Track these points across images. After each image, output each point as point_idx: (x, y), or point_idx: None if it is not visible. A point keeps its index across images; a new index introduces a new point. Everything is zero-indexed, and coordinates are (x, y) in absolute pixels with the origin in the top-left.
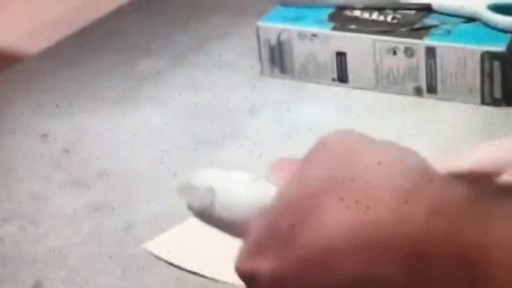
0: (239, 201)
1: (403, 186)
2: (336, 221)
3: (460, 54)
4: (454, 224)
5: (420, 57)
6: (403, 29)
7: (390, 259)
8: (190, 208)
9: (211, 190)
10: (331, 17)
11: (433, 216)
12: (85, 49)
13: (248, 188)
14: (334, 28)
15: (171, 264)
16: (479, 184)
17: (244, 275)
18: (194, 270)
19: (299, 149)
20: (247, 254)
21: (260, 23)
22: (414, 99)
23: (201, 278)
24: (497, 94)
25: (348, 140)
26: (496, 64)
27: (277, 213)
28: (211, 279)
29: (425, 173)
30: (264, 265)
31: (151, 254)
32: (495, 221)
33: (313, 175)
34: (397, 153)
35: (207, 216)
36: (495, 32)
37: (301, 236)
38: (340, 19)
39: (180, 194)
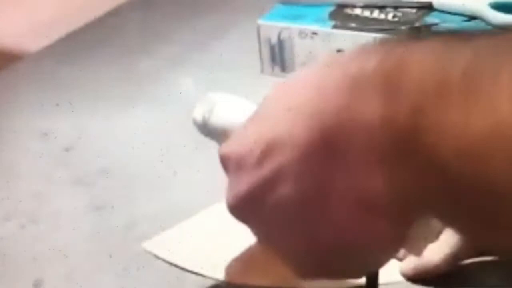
0: (232, 111)
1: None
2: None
3: None
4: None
5: None
6: (403, 28)
7: (333, 91)
8: (193, 121)
9: (212, 103)
10: (332, 15)
11: (363, 55)
12: (85, 48)
13: (243, 103)
14: (334, 26)
15: (171, 263)
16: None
17: (222, 159)
18: (194, 269)
19: None
20: (228, 143)
21: (261, 22)
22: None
23: (201, 278)
24: None
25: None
26: None
27: (255, 111)
28: (211, 278)
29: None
30: (236, 147)
31: (151, 253)
32: (409, 54)
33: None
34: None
35: (205, 125)
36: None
37: (268, 113)
38: (341, 17)
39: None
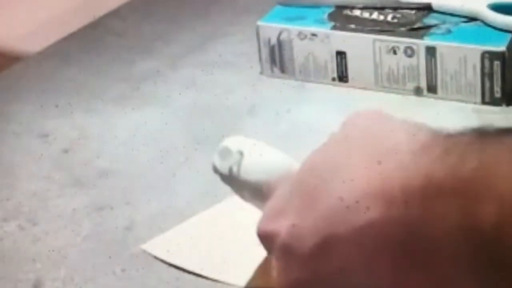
0: (265, 164)
1: (420, 139)
2: (356, 176)
3: (460, 53)
4: (459, 158)
5: (420, 57)
6: (403, 29)
7: (406, 199)
8: (215, 170)
9: (238, 154)
10: (331, 17)
11: (444, 156)
12: (84, 49)
13: (275, 155)
14: (334, 28)
15: (170, 264)
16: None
17: (264, 236)
18: (194, 270)
19: (299, 148)
20: (268, 216)
21: (260, 23)
22: (414, 99)
23: (201, 279)
24: (497, 93)
25: (370, 116)
26: (496, 63)
27: (300, 177)
28: (211, 279)
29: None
30: (284, 225)
31: (151, 254)
32: (493, 152)
33: (336, 144)
34: (412, 124)
35: (233, 179)
36: (495, 31)
37: (322, 195)
38: (340, 18)
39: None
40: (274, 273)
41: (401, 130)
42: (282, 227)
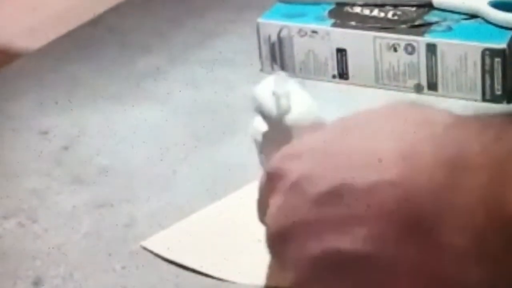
0: (307, 108)
1: (455, 116)
2: (386, 138)
3: (461, 50)
4: (494, 137)
5: (421, 54)
6: (403, 26)
7: (435, 165)
8: (256, 101)
9: (287, 96)
10: (331, 14)
11: (479, 133)
12: (84, 46)
13: (314, 105)
14: (334, 25)
15: (170, 261)
16: None
17: (272, 173)
18: (194, 267)
19: None
20: (284, 155)
21: (260, 20)
22: (414, 96)
23: (201, 276)
24: (498, 91)
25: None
26: (497, 61)
27: (329, 130)
28: (211, 276)
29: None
30: (297, 167)
31: (151, 251)
32: None
33: (372, 113)
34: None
35: (277, 106)
36: (496, 29)
37: (346, 148)
38: (340, 15)
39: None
40: (271, 211)
41: (437, 109)
42: (294, 168)
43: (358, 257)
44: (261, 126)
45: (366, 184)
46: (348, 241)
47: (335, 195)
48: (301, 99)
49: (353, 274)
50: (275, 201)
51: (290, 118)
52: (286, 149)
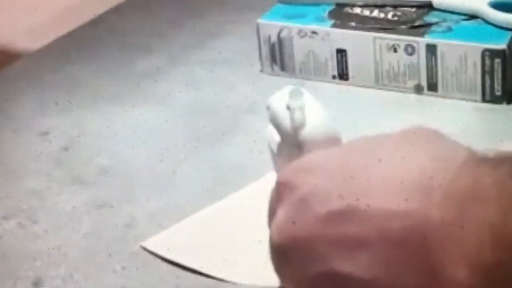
0: (322, 123)
1: (472, 152)
2: (402, 166)
3: (460, 51)
4: (508, 172)
5: (421, 55)
6: (403, 26)
7: (447, 197)
8: (272, 113)
9: (302, 109)
10: (331, 14)
11: (493, 168)
12: (84, 47)
13: (331, 121)
14: (334, 25)
15: (170, 261)
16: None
17: (283, 183)
18: (194, 268)
19: None
20: (296, 168)
21: (260, 20)
22: (414, 97)
23: (201, 276)
24: (498, 91)
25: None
26: (497, 61)
27: (344, 149)
28: (211, 277)
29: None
30: (307, 181)
31: (151, 252)
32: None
33: (391, 136)
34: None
35: (291, 119)
36: (496, 29)
37: (360, 170)
38: (340, 16)
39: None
40: (277, 221)
41: (456, 143)
42: (306, 182)
43: (359, 282)
44: (276, 136)
45: (380, 210)
46: (350, 264)
47: (345, 215)
48: (316, 113)
49: None
50: (282, 212)
51: (304, 132)
52: (299, 162)
